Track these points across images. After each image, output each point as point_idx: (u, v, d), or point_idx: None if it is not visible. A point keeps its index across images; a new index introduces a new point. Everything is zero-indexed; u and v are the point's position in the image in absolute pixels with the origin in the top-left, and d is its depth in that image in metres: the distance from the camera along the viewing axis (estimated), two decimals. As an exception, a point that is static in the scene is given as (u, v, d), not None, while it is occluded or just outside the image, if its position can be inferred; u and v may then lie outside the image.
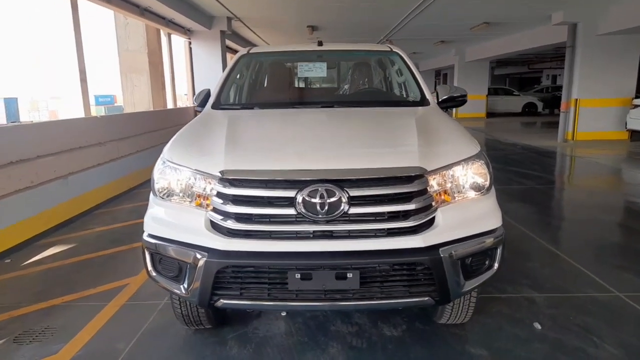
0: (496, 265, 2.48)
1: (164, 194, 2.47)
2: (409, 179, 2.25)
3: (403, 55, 4.09)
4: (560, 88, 27.52)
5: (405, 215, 2.24)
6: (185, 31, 12.99)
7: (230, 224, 2.23)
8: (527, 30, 16.37)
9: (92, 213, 6.38)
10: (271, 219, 2.24)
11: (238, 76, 4.11)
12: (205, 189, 2.35)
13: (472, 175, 2.47)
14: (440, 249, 2.24)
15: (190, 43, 13.47)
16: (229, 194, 2.25)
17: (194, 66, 13.48)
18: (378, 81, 4.66)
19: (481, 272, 2.46)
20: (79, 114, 7.44)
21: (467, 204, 2.42)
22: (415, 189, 2.24)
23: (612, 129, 13.32)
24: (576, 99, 13.10)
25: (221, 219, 2.25)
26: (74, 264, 4.52)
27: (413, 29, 15.24)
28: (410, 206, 2.22)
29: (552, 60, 28.63)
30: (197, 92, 4.04)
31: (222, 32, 13.27)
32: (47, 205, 5.48)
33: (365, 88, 4.27)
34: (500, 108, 25.17)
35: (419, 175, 2.27)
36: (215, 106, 3.55)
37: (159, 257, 2.45)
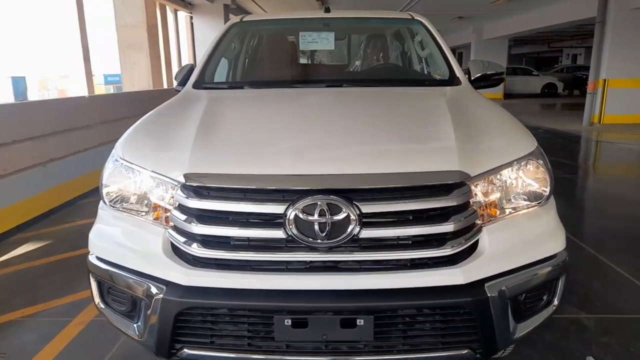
0: (556, 301, 1.84)
1: (114, 202, 1.84)
2: (446, 189, 1.60)
3: (427, 24, 3.37)
4: (581, 68, 26.41)
5: (439, 240, 1.60)
6: (186, 4, 12.23)
7: (195, 250, 1.61)
8: (551, 5, 15.34)
9: (77, 203, 5.82)
10: (251, 244, 1.62)
11: (228, 49, 3.42)
12: (164, 198, 1.72)
13: (527, 180, 1.81)
14: (487, 285, 1.62)
15: (191, 18, 12.73)
16: (194, 208, 1.62)
17: (195, 43, 12.77)
18: (396, 56, 3.95)
19: (537, 311, 1.82)
20: (85, 93, 6.88)
21: (521, 220, 1.77)
22: (454, 203, 1.59)
23: (644, 111, 12.43)
24: (605, 80, 12.21)
25: (183, 242, 1.63)
26: (45, 265, 3.97)
27: (431, 3, 14.33)
28: (447, 227, 1.57)
29: (573, 38, 27.38)
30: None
31: (226, 6, 12.51)
32: (24, 196, 4.91)
33: (381, 64, 3.57)
34: (518, 89, 24.13)
35: (460, 184, 1.62)
36: (197, 85, 2.89)
37: (107, 286, 1.84)
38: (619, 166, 8.06)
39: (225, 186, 1.61)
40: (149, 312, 1.67)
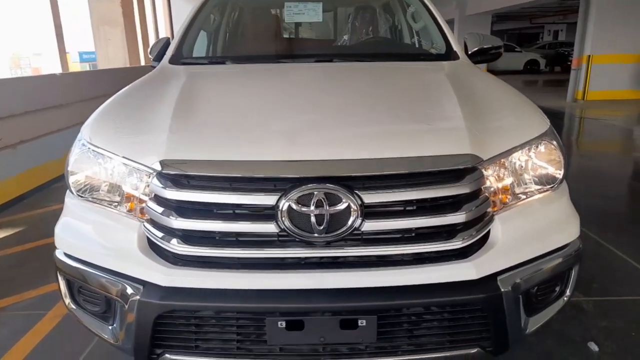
0: (569, 292, 1.71)
1: (82, 192, 1.64)
2: (456, 175, 1.45)
3: None
4: (563, 44, 26.41)
5: (449, 231, 1.45)
6: (163, -24, 11.70)
7: (175, 246, 1.42)
8: (536, -22, 15.14)
9: (51, 187, 5.53)
10: (239, 240, 1.44)
11: (207, 22, 3.16)
12: (138, 188, 1.52)
13: (540, 162, 1.66)
14: (499, 279, 1.48)
15: (169, -9, 12.20)
16: (172, 199, 1.43)
17: (172, 18, 12.28)
18: (387, 29, 3.73)
19: (548, 303, 1.69)
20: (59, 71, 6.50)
21: (535, 206, 1.62)
22: (466, 190, 1.43)
23: (627, 87, 12.44)
24: (589, 55, 12.14)
25: (161, 238, 1.44)
26: (18, 254, 3.74)
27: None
28: (458, 217, 1.42)
29: (556, 14, 27.30)
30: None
31: (204, -21, 11.96)
32: (-9, 180, 4.63)
33: (372, 38, 3.35)
34: (500, 66, 23.95)
35: (472, 169, 1.46)
36: (175, 60, 2.64)
37: (77, 285, 1.65)
38: (602, 143, 8.04)
39: (207, 174, 1.42)
40: (125, 314, 1.49)
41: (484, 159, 1.48)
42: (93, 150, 1.64)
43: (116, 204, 1.58)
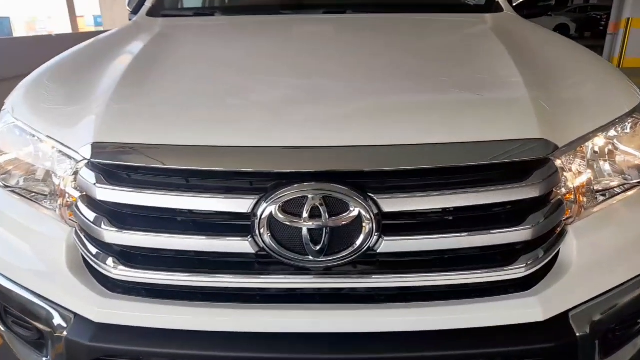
0: None
1: (6, 180, 1.22)
2: (520, 170, 0.99)
3: None
4: (594, 8, 24.91)
5: (507, 252, 1.01)
6: None
7: (111, 268, 1.00)
8: None
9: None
10: (200, 262, 1.02)
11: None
12: (68, 181, 1.09)
13: (628, 149, 1.18)
14: (572, 316, 1.04)
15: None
16: (106, 201, 1.00)
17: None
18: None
19: (628, 339, 1.23)
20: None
21: (620, 210, 1.16)
22: (535, 193, 0.99)
23: (669, 53, 11.52)
24: (628, 19, 11.22)
25: (94, 255, 1.01)
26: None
27: None
28: (522, 232, 0.98)
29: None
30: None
31: None
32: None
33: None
34: (527, 31, 22.81)
35: (542, 161, 1.00)
36: (154, 12, 2.15)
37: (2, 305, 1.25)
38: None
39: (155, 166, 0.98)
40: (56, 349, 1.09)
41: (559, 145, 1.01)
42: (18, 126, 1.21)
43: (43, 198, 1.16)
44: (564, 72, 1.33)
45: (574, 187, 1.09)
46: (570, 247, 1.06)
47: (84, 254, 1.06)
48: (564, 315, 1.03)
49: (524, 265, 0.99)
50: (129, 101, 1.16)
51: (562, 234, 1.06)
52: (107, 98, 1.14)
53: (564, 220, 1.07)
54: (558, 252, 1.06)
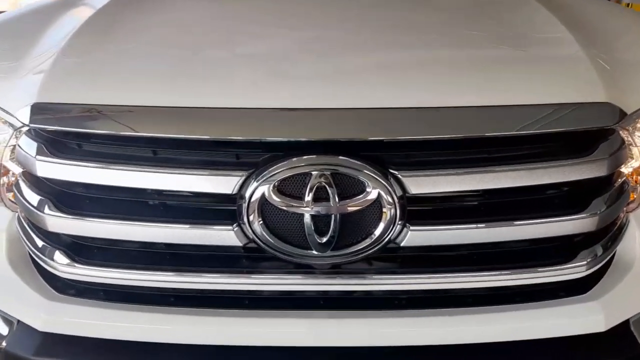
0: None
1: None
2: (584, 141, 0.79)
3: None
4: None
5: (561, 246, 0.82)
6: None
7: (61, 265, 0.79)
8: None
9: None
10: (173, 256, 0.82)
11: None
12: (3, 155, 0.87)
13: None
14: (633, 322, 0.86)
15: None
16: (50, 178, 0.79)
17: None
18: None
19: None
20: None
21: None
22: (600, 172, 0.79)
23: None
24: (628, 4, 10.99)
25: (40, 249, 0.80)
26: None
27: None
28: (584, 221, 0.78)
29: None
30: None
31: None
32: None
33: None
34: None
35: (608, 131, 0.80)
36: None
37: None
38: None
39: (114, 132, 0.76)
40: None
41: (627, 112, 0.81)
42: None
43: None
44: (615, 32, 1.12)
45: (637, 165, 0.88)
46: (632, 240, 0.86)
47: (27, 247, 0.84)
48: (625, 324, 0.85)
49: (585, 262, 0.79)
50: (84, 54, 0.93)
51: (625, 224, 0.85)
52: (57, 51, 0.91)
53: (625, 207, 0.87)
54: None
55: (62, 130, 0.79)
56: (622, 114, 0.81)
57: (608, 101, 0.80)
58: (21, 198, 0.82)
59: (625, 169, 0.86)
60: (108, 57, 0.93)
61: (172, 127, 0.76)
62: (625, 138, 0.83)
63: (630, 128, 0.85)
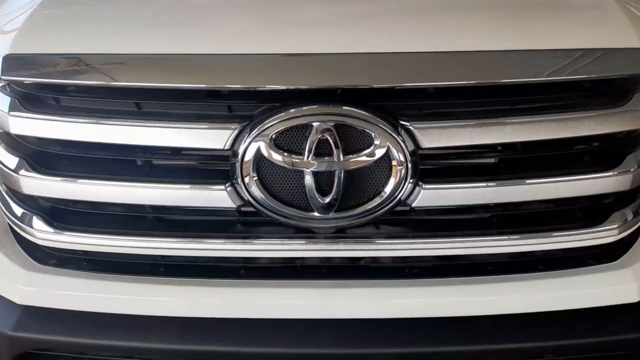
0: None
1: None
2: (616, 90, 0.72)
3: None
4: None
5: (590, 208, 0.76)
6: None
7: (38, 231, 0.73)
8: None
9: None
10: (161, 220, 0.75)
11: None
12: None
13: None
14: None
15: None
16: (25, 135, 0.73)
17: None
18: None
19: None
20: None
21: None
22: (634, 125, 0.71)
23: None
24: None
25: (17, 216, 0.77)
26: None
27: None
28: (617, 179, 0.71)
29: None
30: None
31: None
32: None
33: None
34: None
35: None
36: None
37: None
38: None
39: (93, 83, 0.69)
40: None
41: None
42: None
43: None
44: None
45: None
46: None
47: (5, 215, 0.78)
48: None
49: (616, 225, 0.72)
50: (62, 5, 0.86)
51: None
52: (34, 4, 0.84)
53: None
54: None
55: (37, 83, 0.72)
56: None
57: None
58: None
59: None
60: (87, 6, 0.86)
61: (158, 76, 0.69)
62: None
63: None
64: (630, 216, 0.74)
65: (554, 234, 0.71)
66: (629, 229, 0.74)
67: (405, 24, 0.74)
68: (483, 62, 0.68)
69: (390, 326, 0.72)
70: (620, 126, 0.70)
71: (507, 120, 0.68)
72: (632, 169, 0.70)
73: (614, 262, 0.77)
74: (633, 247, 0.79)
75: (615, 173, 0.70)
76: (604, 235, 0.72)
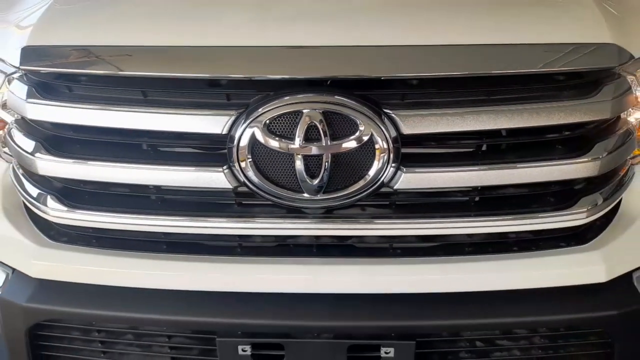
0: None
1: None
2: (587, 82, 0.77)
3: None
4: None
5: (561, 193, 0.82)
6: None
7: (52, 209, 0.80)
8: None
9: None
10: (164, 200, 0.82)
11: None
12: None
13: None
14: (637, 277, 0.84)
15: None
16: (41, 121, 0.80)
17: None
18: None
19: None
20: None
21: None
22: (603, 114, 0.76)
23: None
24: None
25: (32, 196, 0.84)
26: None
27: None
28: (585, 166, 0.76)
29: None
30: None
31: None
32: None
33: None
34: None
35: (611, 73, 0.77)
36: None
37: None
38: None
39: (103, 72, 0.76)
40: None
41: (635, 55, 0.78)
42: None
43: None
44: None
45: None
46: (637, 194, 0.85)
47: (21, 195, 0.84)
48: (628, 277, 0.84)
49: (585, 209, 0.77)
50: (76, 2, 0.93)
51: (628, 175, 0.83)
52: (50, 0, 0.90)
53: (630, 159, 0.84)
54: (620, 199, 0.84)
55: (52, 72, 0.79)
56: (629, 56, 0.78)
57: (612, 42, 0.77)
58: (13, 144, 0.82)
59: (632, 118, 0.83)
60: (97, 3, 0.92)
61: (163, 66, 0.75)
62: (632, 84, 0.81)
63: (638, 74, 0.82)
64: (599, 201, 0.79)
65: (527, 215, 0.76)
66: (597, 213, 0.79)
67: (391, 19, 0.79)
68: (461, 55, 0.73)
69: (371, 301, 0.78)
70: (590, 116, 0.75)
71: (483, 109, 0.73)
72: (600, 157, 0.75)
73: (584, 245, 0.81)
74: (604, 231, 0.84)
75: (585, 160, 0.75)
76: (574, 218, 0.77)
